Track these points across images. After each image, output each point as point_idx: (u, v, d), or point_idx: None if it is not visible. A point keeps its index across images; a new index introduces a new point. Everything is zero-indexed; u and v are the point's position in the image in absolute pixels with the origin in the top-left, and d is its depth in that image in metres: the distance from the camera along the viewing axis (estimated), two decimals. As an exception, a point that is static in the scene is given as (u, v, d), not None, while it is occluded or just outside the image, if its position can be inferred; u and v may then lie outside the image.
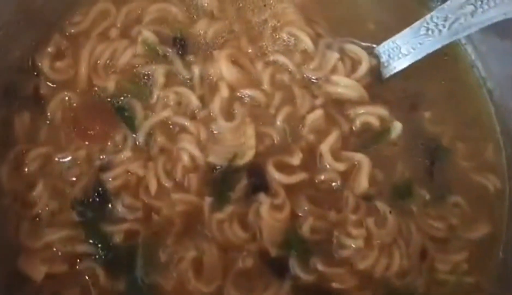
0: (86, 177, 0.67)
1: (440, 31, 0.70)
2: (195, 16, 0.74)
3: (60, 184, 0.67)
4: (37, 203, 0.65)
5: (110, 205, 0.66)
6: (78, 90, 0.69)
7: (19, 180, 0.66)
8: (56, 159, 0.67)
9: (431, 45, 0.71)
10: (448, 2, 0.69)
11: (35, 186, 0.65)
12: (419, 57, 0.72)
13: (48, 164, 0.67)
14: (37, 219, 0.65)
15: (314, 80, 0.72)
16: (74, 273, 0.64)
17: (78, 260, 0.64)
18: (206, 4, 0.74)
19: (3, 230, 0.64)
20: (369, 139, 0.72)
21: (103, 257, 0.65)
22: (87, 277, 0.64)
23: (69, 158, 0.67)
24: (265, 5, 0.75)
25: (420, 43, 0.71)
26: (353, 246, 0.67)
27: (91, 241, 0.65)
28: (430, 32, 0.70)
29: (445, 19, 0.69)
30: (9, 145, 0.67)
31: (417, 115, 0.74)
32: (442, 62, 0.75)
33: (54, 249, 0.64)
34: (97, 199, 0.66)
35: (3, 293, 0.61)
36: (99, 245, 0.65)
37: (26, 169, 0.66)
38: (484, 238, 0.71)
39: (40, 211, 0.65)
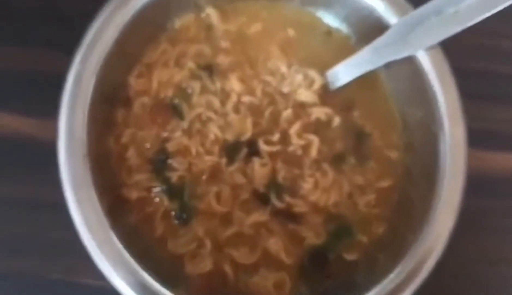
0: (156, 145, 0.82)
1: (361, 64, 0.84)
2: (217, 53, 0.87)
3: (141, 149, 0.82)
4: (129, 159, 0.81)
5: (169, 161, 0.82)
6: (151, 96, 0.84)
7: (119, 146, 0.82)
8: (139, 135, 0.82)
9: (357, 72, 0.84)
10: (365, 48, 0.83)
11: (128, 150, 0.82)
12: (351, 79, 0.85)
13: (135, 138, 0.82)
14: (130, 167, 0.82)
15: (287, 92, 0.87)
16: (150, 198, 0.82)
17: (153, 190, 0.82)
18: (224, 46, 0.88)
19: (113, 174, 0.82)
20: (319, 127, 0.85)
21: (166, 189, 0.82)
22: (157, 199, 0.82)
23: (146, 134, 0.83)
24: (259, 46, 0.88)
25: (350, 71, 0.85)
26: (307, 187, 0.82)
27: (159, 180, 0.81)
28: (356, 64, 0.84)
29: (363, 57, 0.83)
30: (113, 127, 0.83)
31: (350, 113, 0.88)
32: (367, 81, 0.88)
33: (140, 184, 0.81)
34: (163, 157, 0.82)
35: (115, 206, 0.76)
36: (164, 183, 0.82)
37: (123, 140, 0.83)
38: (387, 187, 0.87)
39: (131, 163, 0.82)
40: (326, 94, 0.88)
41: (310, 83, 0.87)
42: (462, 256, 0.91)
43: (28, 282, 0.85)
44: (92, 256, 0.70)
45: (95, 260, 0.70)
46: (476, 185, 0.78)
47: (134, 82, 0.85)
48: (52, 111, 0.74)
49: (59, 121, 0.74)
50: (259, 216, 0.81)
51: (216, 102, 0.84)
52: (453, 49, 0.81)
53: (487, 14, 0.71)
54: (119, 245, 0.72)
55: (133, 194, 0.82)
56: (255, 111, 0.85)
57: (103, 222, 0.72)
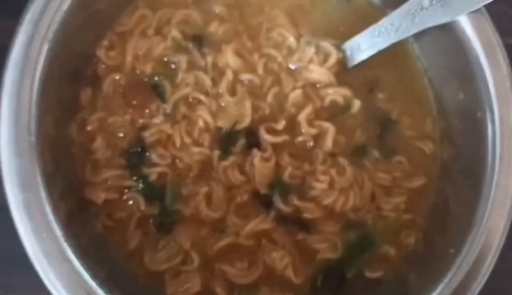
0: (130, 134, 0.76)
1: (388, 33, 0.77)
2: (209, 20, 0.81)
3: (112, 139, 0.76)
4: (96, 151, 0.75)
5: (147, 154, 0.76)
6: (124, 72, 0.77)
7: (84, 135, 0.75)
8: (109, 121, 0.76)
9: (382, 43, 0.78)
10: (394, 12, 0.77)
11: (95, 140, 0.75)
12: (374, 52, 0.79)
13: (104, 124, 0.76)
14: (97, 162, 0.75)
15: (296, 68, 0.81)
16: (123, 200, 0.75)
17: (126, 191, 0.75)
18: (217, 11, 0.81)
19: (74, 170, 0.74)
20: (335, 112, 0.80)
21: (142, 190, 0.75)
22: (132, 203, 0.75)
23: (118, 120, 0.76)
24: (261, 12, 0.82)
25: (374, 42, 0.79)
26: (320, 187, 0.77)
27: (134, 178, 0.75)
28: (381, 33, 0.78)
29: (392, 24, 0.77)
30: (77, 110, 0.75)
31: (373, 95, 0.82)
32: (394, 56, 0.82)
33: (109, 183, 0.74)
34: (139, 149, 0.76)
35: (75, 211, 0.69)
36: (140, 181, 0.75)
37: (89, 127, 0.75)
38: (419, 187, 0.80)
39: (99, 157, 0.75)
40: (344, 72, 0.82)
41: (324, 58, 0.81)
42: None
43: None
44: (41, 275, 0.62)
45: (44, 281, 0.62)
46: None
47: (104, 54, 0.78)
48: None
49: (0, 101, 0.64)
50: (260, 223, 0.75)
51: (207, 81, 0.78)
52: (501, 21, 0.75)
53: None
54: (77, 263, 0.62)
55: (100, 196, 0.74)
56: (255, 92, 0.79)
57: (56, 233, 0.62)
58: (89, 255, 0.65)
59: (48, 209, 0.63)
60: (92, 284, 0.62)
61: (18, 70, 0.65)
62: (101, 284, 0.63)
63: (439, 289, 0.68)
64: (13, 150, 0.63)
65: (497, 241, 0.70)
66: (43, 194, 0.63)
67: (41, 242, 0.62)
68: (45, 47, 0.66)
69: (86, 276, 0.62)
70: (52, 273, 0.62)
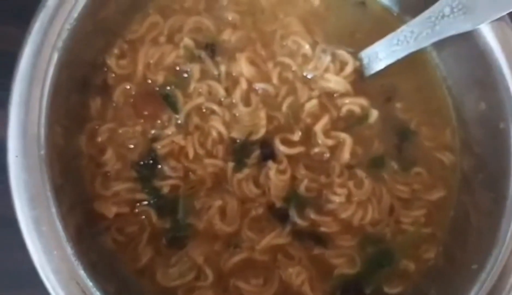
0: (141, 146, 0.75)
1: (408, 41, 0.77)
2: (221, 27, 0.80)
3: (123, 150, 0.75)
4: (107, 163, 0.74)
5: (159, 166, 0.75)
6: (135, 82, 0.77)
7: (93, 146, 0.74)
8: (120, 132, 0.75)
9: (401, 52, 0.78)
10: (414, 20, 0.76)
11: (105, 151, 0.74)
12: (393, 61, 0.79)
13: (114, 135, 0.75)
14: (108, 175, 0.74)
15: (311, 77, 0.80)
16: (134, 214, 0.74)
17: (137, 204, 0.74)
18: (230, 18, 0.80)
19: (83, 182, 0.73)
20: (352, 122, 0.80)
21: (154, 203, 0.74)
22: (143, 217, 0.74)
23: (129, 131, 0.76)
24: (275, 19, 0.81)
25: (393, 51, 0.79)
26: (337, 201, 0.76)
27: (146, 191, 0.74)
28: (400, 42, 0.78)
29: (412, 32, 0.76)
30: (86, 121, 0.74)
31: (391, 105, 0.82)
32: (412, 65, 0.82)
33: (120, 196, 0.73)
34: (150, 161, 0.75)
35: (85, 226, 0.69)
36: (152, 195, 0.74)
37: (99, 138, 0.75)
38: (439, 200, 0.80)
39: (109, 169, 0.74)
40: (361, 81, 0.82)
41: (341, 66, 0.81)
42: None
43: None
44: (50, 293, 0.60)
45: None
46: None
47: (114, 63, 0.77)
48: (4, 101, 0.63)
49: (8, 113, 0.62)
50: (275, 237, 0.75)
51: (220, 91, 0.77)
52: None
53: None
54: (88, 281, 0.61)
55: (111, 210, 0.72)
56: (270, 102, 0.79)
57: (67, 250, 0.61)
58: (99, 272, 0.63)
59: (58, 226, 0.61)
60: (104, 303, 0.61)
61: (27, 80, 0.63)
62: (115, 304, 0.61)
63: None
64: (22, 164, 0.62)
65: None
66: (53, 210, 0.61)
67: (51, 260, 0.60)
68: (55, 56, 0.64)
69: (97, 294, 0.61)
70: (62, 291, 0.60)
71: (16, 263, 0.71)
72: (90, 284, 0.61)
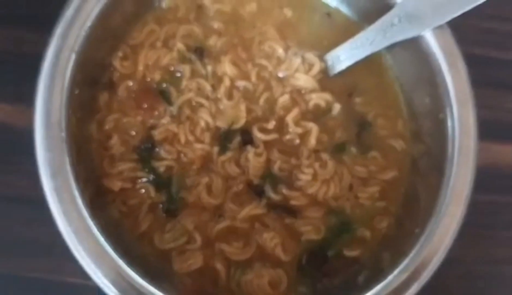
0: (141, 133, 0.80)
1: (364, 46, 0.82)
2: (209, 34, 0.85)
3: (126, 136, 0.80)
4: (112, 147, 0.79)
5: (156, 149, 0.80)
6: (136, 80, 0.81)
7: (102, 133, 0.79)
8: (124, 121, 0.80)
9: (360, 54, 0.83)
10: (369, 28, 0.82)
11: (112, 137, 0.79)
12: (353, 62, 0.84)
13: (119, 124, 0.80)
14: (113, 156, 0.79)
15: (284, 76, 0.85)
16: (135, 189, 0.79)
17: (138, 181, 0.79)
18: (216, 26, 0.85)
19: (94, 162, 0.78)
20: (318, 114, 0.84)
21: (153, 180, 0.79)
22: (143, 191, 0.79)
23: (131, 121, 0.80)
24: (254, 27, 0.86)
25: (353, 53, 0.83)
26: (305, 179, 0.81)
27: (145, 170, 0.79)
28: (358, 46, 0.83)
29: (367, 38, 0.82)
30: (95, 112, 0.80)
31: (352, 100, 0.86)
32: (370, 66, 0.86)
33: (124, 174, 0.78)
34: (149, 146, 0.80)
35: (95, 197, 0.73)
36: (150, 173, 0.79)
37: (106, 127, 0.80)
38: (392, 179, 0.84)
39: (114, 152, 0.79)
40: (326, 80, 0.86)
41: (309, 67, 0.86)
42: (466, 255, 0.90)
43: (4, 281, 0.82)
44: (72, 249, 0.67)
45: (75, 255, 0.67)
46: (484, 179, 0.76)
47: (118, 64, 0.82)
48: (27, 96, 0.71)
49: (35, 103, 0.70)
50: (253, 209, 0.79)
51: (207, 87, 0.82)
52: (462, 33, 0.80)
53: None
54: (101, 238, 0.68)
55: (116, 185, 0.78)
56: (249, 97, 0.83)
57: (83, 213, 0.68)
58: (108, 236, 0.70)
59: (76, 194, 0.69)
60: (114, 255, 0.68)
61: (50, 76, 0.71)
62: (122, 256, 0.68)
63: (406, 261, 0.73)
64: (46, 145, 0.70)
65: (455, 223, 0.75)
66: (71, 181, 0.69)
67: (71, 221, 0.68)
68: (73, 57, 0.72)
69: (109, 249, 0.68)
70: (81, 247, 0.67)
71: (44, 235, 0.77)
72: (102, 239, 0.68)
